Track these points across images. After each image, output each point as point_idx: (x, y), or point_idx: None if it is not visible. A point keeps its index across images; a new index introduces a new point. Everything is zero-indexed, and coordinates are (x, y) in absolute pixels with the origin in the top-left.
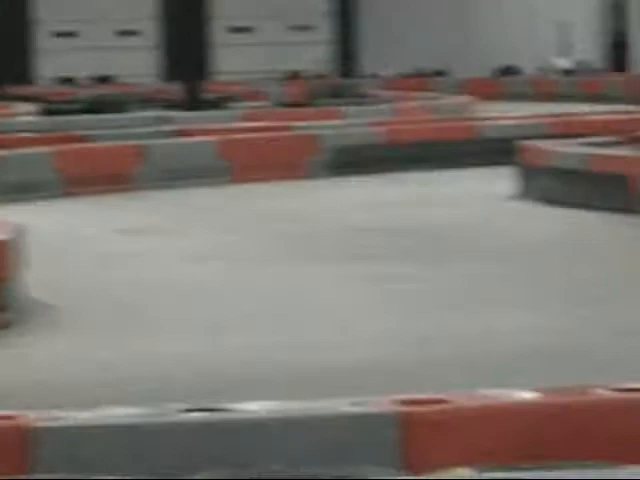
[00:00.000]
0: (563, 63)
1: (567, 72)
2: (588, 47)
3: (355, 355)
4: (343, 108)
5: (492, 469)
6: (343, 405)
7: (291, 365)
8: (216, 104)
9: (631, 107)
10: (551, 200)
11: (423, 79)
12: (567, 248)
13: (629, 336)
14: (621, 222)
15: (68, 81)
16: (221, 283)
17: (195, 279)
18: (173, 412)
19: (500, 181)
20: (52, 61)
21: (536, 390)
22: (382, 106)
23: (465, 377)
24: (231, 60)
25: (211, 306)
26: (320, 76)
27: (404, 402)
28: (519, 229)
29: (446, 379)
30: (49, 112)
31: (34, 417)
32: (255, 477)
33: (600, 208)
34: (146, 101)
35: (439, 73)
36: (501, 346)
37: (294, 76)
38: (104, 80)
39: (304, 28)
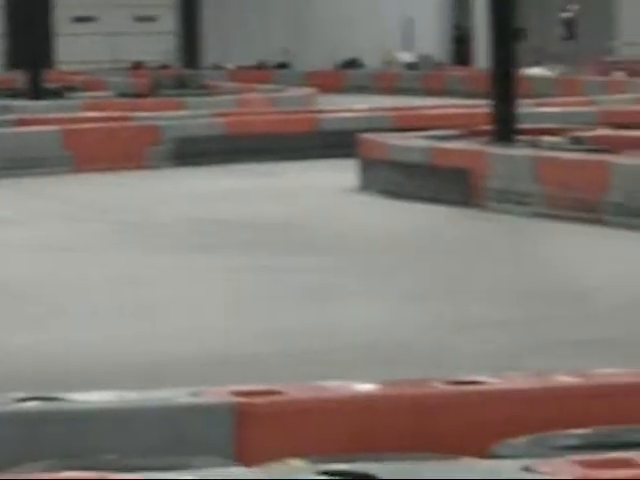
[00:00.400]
0: (406, 57)
1: (410, 66)
2: (431, 41)
3: (201, 347)
4: (185, 99)
5: (326, 460)
6: (181, 395)
7: (132, 357)
8: (59, 93)
9: (473, 101)
10: (392, 193)
11: (267, 71)
12: (407, 241)
13: (465, 330)
14: (462, 216)
15: None
16: (61, 274)
17: (34, 270)
18: (8, 401)
19: (341, 174)
20: None
21: (373, 382)
22: (225, 97)
23: (307, 369)
24: (75, 50)
25: (51, 298)
26: (163, 67)
27: (240, 393)
28: (359, 222)
29: (289, 372)
30: None
31: None
32: (88, 467)
33: (441, 201)
34: None
35: (282, 65)
36: (341, 339)
37: (137, 66)
38: None
39: (148, 19)
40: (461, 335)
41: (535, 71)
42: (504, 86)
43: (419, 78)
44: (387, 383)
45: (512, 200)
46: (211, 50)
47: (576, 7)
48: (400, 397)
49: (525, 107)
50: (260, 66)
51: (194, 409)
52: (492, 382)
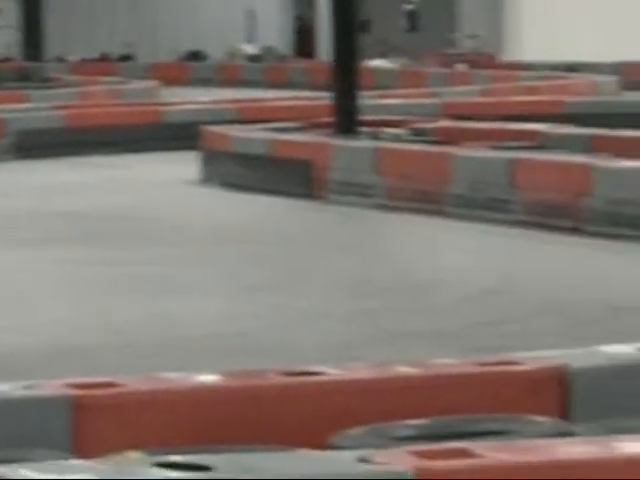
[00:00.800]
0: (249, 49)
1: (253, 58)
2: (274, 33)
3: (43, 338)
4: (28, 92)
5: (164, 452)
6: (15, 389)
7: None
8: None
9: (315, 93)
10: (235, 185)
11: (110, 63)
12: (249, 233)
13: (306, 322)
14: (304, 208)
15: None
16: None
17: None
18: None
19: (184, 166)
20: None
21: (213, 374)
22: (67, 90)
23: (146, 362)
24: None
25: None
26: (6, 59)
27: (76, 385)
28: (201, 215)
29: (128, 364)
30: None
31: None
32: None
33: (284, 194)
34: None
35: (126, 58)
36: (182, 331)
37: None
38: None
39: None
40: (302, 327)
41: (378, 63)
42: (346, 78)
43: (262, 70)
44: (226, 374)
45: (354, 192)
46: (54, 43)
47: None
48: (239, 388)
49: (368, 99)
50: (103, 58)
51: (29, 402)
52: (331, 373)
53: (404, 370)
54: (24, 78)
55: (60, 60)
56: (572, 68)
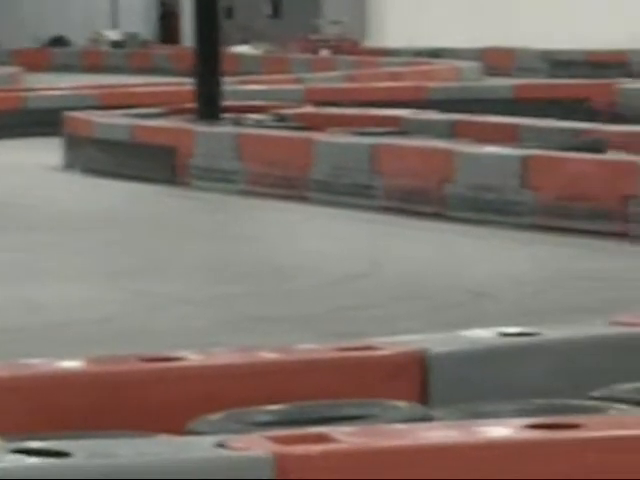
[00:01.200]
0: (113, 35)
1: (116, 44)
2: (137, 19)
3: None
4: None
5: (23, 439)
6: None
7: None
8: None
9: (179, 79)
10: (98, 171)
11: None
12: (110, 219)
13: (165, 308)
14: (166, 194)
15: None
16: None
17: None
18: None
19: (47, 152)
20: None
21: (75, 359)
22: None
23: (3, 348)
24: None
25: None
26: None
27: None
28: (63, 201)
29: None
30: None
31: None
32: None
33: (147, 180)
34: None
35: None
36: (40, 317)
37: None
38: None
39: None
40: (163, 312)
41: (241, 49)
42: (209, 64)
43: (126, 56)
44: (87, 360)
45: (217, 178)
46: None
47: None
48: (100, 374)
49: (231, 85)
50: None
51: None
52: (192, 358)
53: (265, 355)
54: None
55: None
56: (435, 54)
